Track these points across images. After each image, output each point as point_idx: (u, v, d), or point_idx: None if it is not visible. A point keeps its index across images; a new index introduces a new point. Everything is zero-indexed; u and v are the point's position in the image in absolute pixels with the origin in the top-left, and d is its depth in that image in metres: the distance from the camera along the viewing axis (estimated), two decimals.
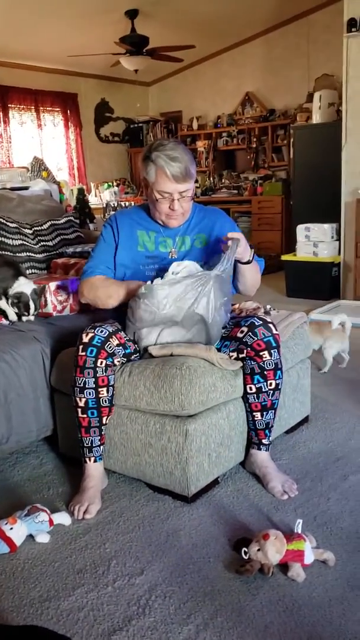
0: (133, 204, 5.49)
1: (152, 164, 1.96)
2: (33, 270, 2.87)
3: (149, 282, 1.93)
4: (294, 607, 1.48)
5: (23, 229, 2.90)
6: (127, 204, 6.54)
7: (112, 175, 8.39)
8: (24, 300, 2.36)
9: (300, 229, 5.27)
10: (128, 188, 8.18)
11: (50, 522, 1.84)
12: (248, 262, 2.07)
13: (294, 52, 7.03)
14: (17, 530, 1.76)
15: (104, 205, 6.65)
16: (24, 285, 2.38)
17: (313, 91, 6.30)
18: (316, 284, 5.17)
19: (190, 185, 2.00)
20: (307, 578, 1.57)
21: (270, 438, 2.11)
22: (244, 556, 1.60)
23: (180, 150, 1.96)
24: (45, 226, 3.01)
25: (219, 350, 2.05)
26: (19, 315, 2.39)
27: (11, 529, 1.75)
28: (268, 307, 2.54)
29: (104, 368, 1.93)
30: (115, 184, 8.02)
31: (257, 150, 7.64)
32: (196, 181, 8.09)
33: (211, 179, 8.07)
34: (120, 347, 1.99)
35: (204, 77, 8.03)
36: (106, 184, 7.85)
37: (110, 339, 1.95)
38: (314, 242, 5.17)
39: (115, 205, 6.45)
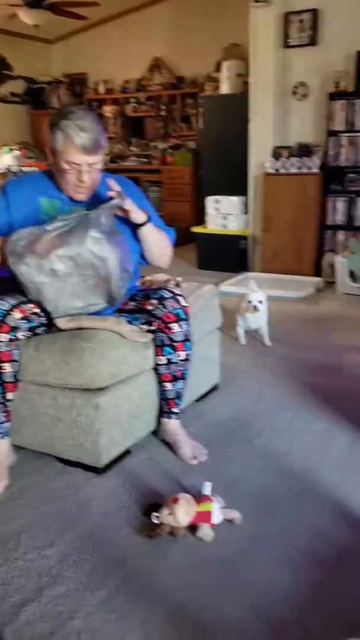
0: (36, 169, 5.28)
1: (61, 132, 1.87)
2: None
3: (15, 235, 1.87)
4: (203, 566, 1.55)
5: None
6: (29, 169, 6.27)
7: (12, 138, 7.98)
8: None
9: (210, 201, 5.33)
10: (30, 152, 7.84)
11: None
12: (144, 224, 2.04)
13: (203, 18, 6.96)
14: None
15: (4, 170, 6.35)
16: None
17: (222, 60, 6.30)
18: (225, 256, 5.28)
19: (100, 158, 1.94)
20: (216, 537, 1.65)
21: (180, 407, 2.17)
22: (154, 521, 1.65)
23: (91, 120, 1.89)
24: None
25: (129, 323, 2.05)
26: None
27: None
28: (178, 279, 2.57)
29: (6, 342, 1.88)
30: (16, 147, 7.65)
31: (166, 119, 7.57)
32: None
33: (120, 146, 7.93)
34: (24, 321, 1.92)
35: (111, 38, 7.78)
36: (6, 148, 7.48)
37: (12, 312, 1.88)
38: (223, 214, 5.25)
39: (17, 170, 6.18)
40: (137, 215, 2.01)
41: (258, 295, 3.20)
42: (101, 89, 7.99)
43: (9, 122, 8.03)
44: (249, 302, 3.17)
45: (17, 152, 7.22)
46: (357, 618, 1.35)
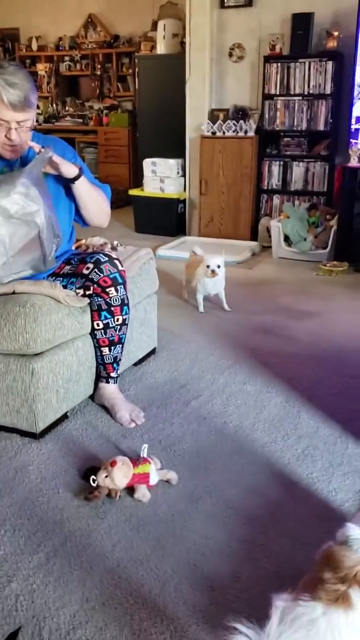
0: None
1: None
2: None
3: None
4: (140, 525, 1.59)
5: None
6: None
7: None
8: None
9: (147, 164, 5.26)
10: None
11: None
12: (77, 179, 2.00)
13: None
14: None
15: None
16: None
17: (158, 19, 6.14)
18: (163, 220, 5.25)
19: (30, 115, 1.87)
20: (152, 498, 1.69)
21: (118, 371, 2.18)
22: (92, 484, 1.67)
23: (21, 76, 1.81)
24: None
25: (64, 287, 2.03)
26: None
27: None
28: (115, 242, 2.55)
29: None
30: None
31: (101, 78, 7.35)
32: (38, 107, 7.59)
33: (54, 105, 7.66)
34: None
35: None
36: None
37: None
38: (161, 177, 5.20)
39: None
40: (68, 169, 1.95)
41: (216, 259, 3.16)
42: (34, 45, 7.64)
43: None
44: (208, 266, 3.13)
45: None
46: (286, 573, 1.43)
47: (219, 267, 3.15)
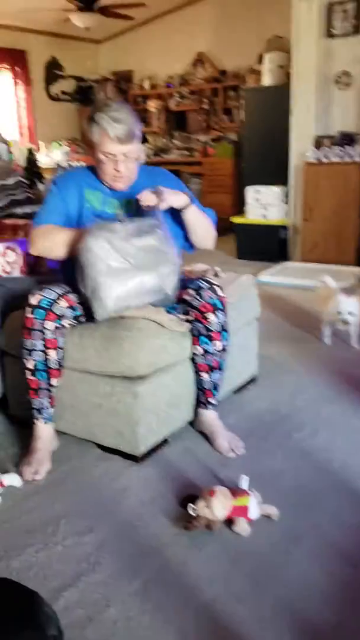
0: (83, 164, 5.36)
1: (96, 125, 1.93)
2: None
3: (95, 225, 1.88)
4: (238, 560, 1.54)
5: None
6: (77, 164, 6.37)
7: (62, 134, 8.12)
8: None
9: (250, 191, 5.28)
10: (79, 148, 7.96)
11: (1, 483, 1.83)
12: (187, 207, 2.03)
13: (246, 12, 6.90)
14: None
15: (54, 166, 6.47)
16: None
17: (264, 53, 6.22)
18: (265, 246, 5.22)
19: (134, 147, 1.97)
20: (252, 532, 1.63)
21: (217, 398, 2.16)
22: (191, 512, 1.64)
23: (124, 112, 1.93)
24: None
25: (167, 312, 2.06)
26: None
27: None
28: (217, 269, 2.56)
29: (52, 330, 1.91)
30: (65, 143, 7.78)
31: (208, 112, 7.54)
32: (147, 141, 7.93)
33: (162, 140, 7.94)
34: (70, 310, 1.97)
35: (156, 36, 7.80)
36: (56, 144, 7.61)
37: (59, 301, 1.93)
38: (264, 204, 5.20)
39: (66, 165, 6.28)
40: (179, 200, 2.00)
41: (348, 304, 2.86)
42: (146, 85, 8.03)
43: (59, 120, 8.17)
44: (339, 313, 2.88)
45: (66, 148, 7.34)
46: None
47: (350, 314, 2.84)
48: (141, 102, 8.07)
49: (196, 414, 2.19)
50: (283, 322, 3.45)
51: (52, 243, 2.02)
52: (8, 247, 2.49)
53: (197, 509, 1.64)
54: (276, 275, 4.55)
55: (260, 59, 6.39)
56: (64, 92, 8.21)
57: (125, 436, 1.97)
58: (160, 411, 2.01)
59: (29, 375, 1.96)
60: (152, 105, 7.94)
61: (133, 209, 2.09)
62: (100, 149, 1.95)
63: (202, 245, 2.20)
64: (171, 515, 1.72)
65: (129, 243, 1.85)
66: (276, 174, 5.35)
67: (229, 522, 1.66)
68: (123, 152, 1.94)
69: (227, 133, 7.37)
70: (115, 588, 1.45)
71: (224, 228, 6.02)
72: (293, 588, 1.44)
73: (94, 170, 2.11)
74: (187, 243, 2.19)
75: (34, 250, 2.07)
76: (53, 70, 8.00)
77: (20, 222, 2.72)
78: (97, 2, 6.05)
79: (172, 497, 1.81)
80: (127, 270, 1.84)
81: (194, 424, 2.20)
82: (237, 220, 5.44)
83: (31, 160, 5.30)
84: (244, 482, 1.72)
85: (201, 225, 2.13)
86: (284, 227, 5.20)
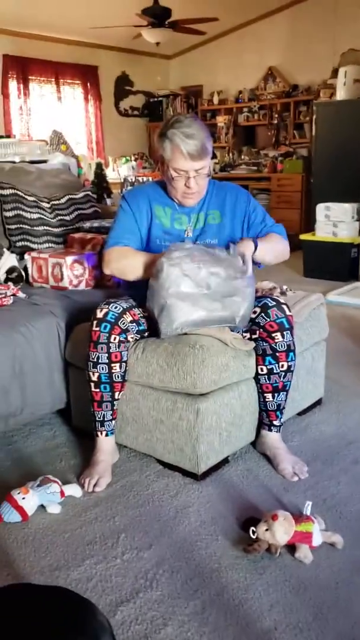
0: (150, 179, 5.45)
1: (168, 141, 1.93)
2: (50, 245, 2.86)
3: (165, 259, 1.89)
4: (300, 588, 1.49)
5: (41, 203, 2.88)
6: (144, 179, 6.47)
7: (130, 149, 8.30)
8: (18, 272, 2.50)
9: (320, 208, 5.19)
10: (146, 163, 8.10)
11: (62, 493, 1.86)
12: (255, 251, 2.03)
13: (319, 26, 6.84)
14: (29, 500, 1.79)
15: (122, 180, 6.60)
16: (10, 258, 2.50)
17: (338, 67, 6.13)
18: (334, 264, 5.10)
19: (206, 163, 1.97)
20: (315, 560, 1.58)
21: (281, 419, 2.11)
22: (252, 535, 1.61)
23: (196, 127, 1.93)
24: (62, 200, 2.99)
25: (232, 330, 2.04)
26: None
27: (23, 498, 1.78)
28: (284, 287, 2.52)
29: (117, 344, 1.94)
30: (133, 158, 7.94)
31: (278, 127, 7.50)
32: (215, 157, 7.95)
33: (230, 155, 7.96)
34: (134, 324, 1.99)
35: (226, 50, 7.86)
36: (124, 159, 7.78)
37: (124, 315, 1.95)
38: (334, 222, 5.09)
39: (133, 180, 6.39)
40: (248, 250, 1.99)
41: None
42: (215, 99, 8.09)
43: (128, 135, 8.37)
44: None
45: (133, 163, 7.50)
46: None
47: None
48: (210, 118, 8.13)
49: (259, 435, 2.15)
50: (352, 344, 3.35)
51: (126, 266, 2.05)
52: (75, 261, 2.55)
53: (259, 532, 1.60)
54: (346, 295, 4.44)
55: (334, 73, 6.31)
56: (132, 107, 8.40)
57: (185, 453, 1.96)
58: (221, 430, 1.99)
59: (92, 388, 1.99)
60: (221, 120, 7.99)
61: (200, 224, 2.10)
62: (172, 165, 1.96)
63: (275, 263, 2.19)
64: (231, 537, 1.69)
65: (203, 269, 1.84)
66: (348, 190, 5.24)
67: (291, 547, 1.61)
68: (195, 169, 1.94)
69: (297, 148, 7.30)
70: (172, 607, 1.43)
71: (291, 245, 5.94)
72: (358, 623, 1.37)
73: (162, 185, 2.12)
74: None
75: (107, 270, 2.10)
76: (123, 86, 8.20)
77: (88, 236, 2.78)
78: (168, 17, 6.14)
79: (233, 518, 1.78)
80: (198, 296, 1.84)
81: (256, 444, 2.16)
82: (305, 237, 5.35)
83: (100, 174, 5.43)
84: (308, 508, 1.67)
85: (272, 254, 2.12)
86: (355, 245, 5.07)
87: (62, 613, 1.04)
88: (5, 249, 2.54)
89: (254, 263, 2.05)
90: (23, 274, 2.56)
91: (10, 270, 2.50)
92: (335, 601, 1.45)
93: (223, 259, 1.88)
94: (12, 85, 6.97)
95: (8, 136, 6.22)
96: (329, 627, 1.36)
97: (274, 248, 2.13)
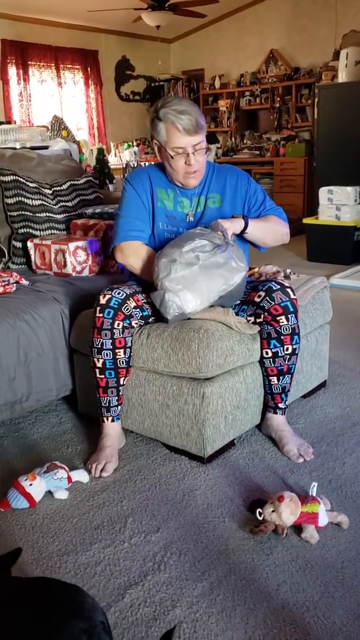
0: (151, 163, 5.42)
1: (161, 122, 1.93)
2: (52, 231, 2.85)
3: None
4: (307, 568, 1.50)
5: (43, 189, 2.87)
6: (146, 164, 6.44)
7: (132, 134, 8.25)
8: None
9: (323, 192, 5.15)
10: (148, 148, 8.05)
11: (69, 479, 1.88)
12: (246, 229, 2.05)
13: (320, 7, 6.76)
14: (37, 487, 1.80)
15: (124, 166, 6.57)
16: None
17: (340, 49, 6.06)
18: (338, 248, 5.08)
19: (202, 138, 1.97)
20: (321, 540, 1.59)
21: (286, 402, 2.12)
22: (258, 517, 1.62)
23: (186, 103, 1.94)
24: (64, 186, 2.98)
25: (236, 314, 2.04)
26: None
27: (30, 485, 1.79)
28: (288, 271, 2.51)
29: (121, 330, 1.94)
30: (135, 143, 7.90)
31: (280, 110, 7.44)
32: (217, 141, 7.89)
33: (233, 139, 7.90)
34: (138, 310, 1.99)
35: (227, 34, 7.78)
36: (126, 144, 7.74)
37: (128, 301, 1.95)
38: (337, 205, 5.06)
39: (135, 165, 6.37)
40: (236, 228, 2.02)
41: None
42: (217, 83, 8.01)
43: (130, 120, 8.31)
44: None
45: (135, 149, 7.45)
46: None
47: None
48: (212, 102, 8.06)
49: (264, 417, 2.15)
50: (355, 326, 3.34)
51: (134, 266, 2.10)
52: (78, 247, 2.54)
53: (265, 513, 1.61)
54: (349, 278, 4.42)
55: (336, 55, 6.23)
56: (134, 92, 8.33)
57: (192, 437, 1.97)
58: (227, 413, 1.99)
59: (97, 374, 1.99)
60: (222, 104, 7.92)
61: (201, 207, 2.09)
62: (170, 145, 1.95)
63: (274, 245, 2.21)
64: (238, 518, 1.70)
65: (185, 247, 1.87)
66: (350, 173, 5.20)
67: (297, 528, 1.62)
68: (192, 144, 1.94)
69: (300, 132, 7.24)
70: (181, 589, 1.45)
71: (294, 229, 5.88)
72: None
73: (161, 168, 2.11)
74: (261, 248, 2.20)
75: (123, 261, 2.12)
76: (124, 70, 8.12)
77: (91, 222, 2.77)
78: (168, 0, 6.05)
79: (239, 500, 1.79)
80: (191, 276, 1.85)
81: (262, 427, 2.17)
82: (308, 221, 5.33)
83: (101, 160, 5.40)
84: (314, 489, 1.68)
85: (268, 233, 2.13)
86: (358, 229, 5.04)
87: (55, 598, 1.06)
88: None
89: (252, 244, 2.10)
90: (4, 249, 2.57)
91: None
92: (342, 580, 1.46)
93: (205, 234, 1.90)
94: (12, 70, 6.92)
95: (9, 122, 6.17)
96: (335, 605, 1.38)
97: (270, 228, 2.13)
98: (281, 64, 7.36)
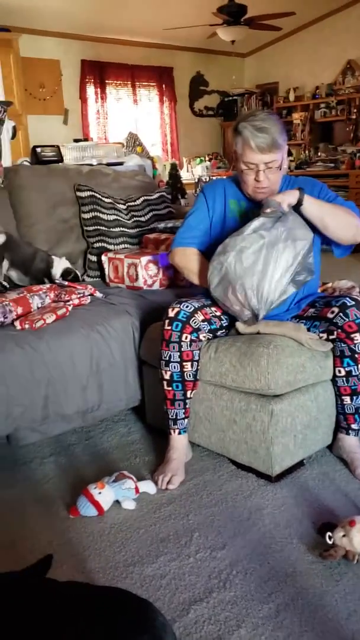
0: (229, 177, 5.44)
1: (239, 135, 1.94)
2: (125, 245, 2.91)
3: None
4: None
5: (117, 204, 2.94)
6: (218, 178, 6.48)
7: (204, 149, 8.33)
8: (74, 274, 2.63)
9: None
10: (220, 162, 8.10)
11: (136, 489, 1.89)
12: (302, 202, 1.91)
13: None
14: (105, 495, 1.83)
15: (196, 180, 6.64)
16: (61, 262, 2.62)
17: None
18: None
19: (277, 157, 1.94)
20: None
21: None
22: (328, 541, 1.57)
23: (269, 121, 1.92)
24: (138, 201, 3.04)
25: (308, 330, 1.99)
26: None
27: (100, 493, 1.82)
28: None
29: (188, 343, 1.94)
30: (207, 158, 7.96)
31: (356, 122, 7.28)
32: (290, 154, 7.80)
33: (306, 152, 7.81)
34: (206, 323, 1.99)
35: (303, 45, 7.71)
36: (198, 159, 7.81)
37: (196, 314, 1.96)
38: None
39: (207, 180, 6.42)
40: (290, 198, 1.90)
41: None
42: (291, 96, 7.96)
43: (202, 135, 8.40)
44: None
45: (207, 163, 7.52)
46: None
47: None
48: (286, 115, 8.01)
49: (336, 438, 2.09)
50: None
51: (186, 267, 2.18)
52: (150, 261, 2.58)
53: (335, 537, 1.56)
54: None
55: None
56: (207, 107, 8.40)
57: (259, 454, 1.94)
58: (296, 432, 1.95)
59: (165, 386, 2.00)
60: (297, 117, 7.86)
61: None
62: (242, 159, 1.96)
63: (344, 238, 2.02)
64: (307, 541, 1.66)
65: (246, 232, 1.86)
66: None
67: None
68: (264, 162, 1.93)
69: None
70: (246, 609, 1.42)
71: None
72: None
73: (235, 181, 2.13)
74: (330, 245, 2.08)
75: (172, 262, 2.22)
76: (198, 86, 8.22)
77: (162, 236, 2.81)
78: (244, 14, 6.07)
79: (308, 522, 1.74)
80: (261, 257, 1.83)
81: (333, 448, 2.11)
82: None
83: (174, 175, 5.48)
84: None
85: (330, 217, 1.96)
86: None
87: (127, 614, 1.06)
88: (53, 256, 2.64)
89: (324, 241, 2.05)
90: (78, 273, 2.69)
91: (66, 273, 2.60)
92: None
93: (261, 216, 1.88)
94: (90, 89, 7.17)
95: (86, 139, 6.40)
96: None
97: (332, 211, 1.98)
98: (359, 74, 7.21)
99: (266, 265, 1.82)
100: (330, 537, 1.57)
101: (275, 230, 1.84)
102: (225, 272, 1.87)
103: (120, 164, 4.27)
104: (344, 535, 1.55)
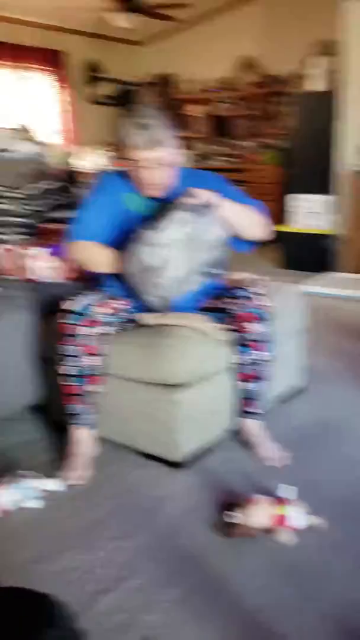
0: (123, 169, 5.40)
1: (125, 131, 1.93)
2: (21, 236, 2.82)
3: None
4: (282, 571, 1.51)
5: (10, 193, 2.84)
6: (118, 168, 6.42)
7: (102, 138, 8.21)
8: None
9: (294, 200, 5.22)
10: (120, 152, 8.02)
11: (41, 487, 1.85)
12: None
13: (294, 15, 6.83)
14: (9, 495, 1.77)
15: (94, 170, 6.54)
16: None
17: (309, 57, 6.14)
18: (311, 255, 5.14)
19: (162, 154, 1.92)
20: (296, 543, 1.60)
21: (260, 408, 2.12)
22: (229, 520, 1.62)
23: (151, 117, 1.91)
24: (33, 190, 2.95)
25: (212, 321, 2.04)
26: None
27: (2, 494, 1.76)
28: (261, 278, 2.52)
29: (88, 336, 1.91)
30: (106, 148, 7.86)
31: (253, 117, 7.50)
32: (188, 148, 7.85)
33: (205, 146, 7.94)
34: (107, 315, 1.97)
35: (201, 38, 7.79)
36: (97, 148, 7.69)
37: (95, 307, 1.93)
38: (308, 213, 5.13)
39: (106, 170, 6.35)
40: (210, 195, 1.91)
41: None
42: (189, 89, 8.03)
43: (101, 124, 8.25)
44: None
45: (106, 152, 7.41)
46: None
47: None
48: (183, 107, 8.08)
49: (240, 423, 2.16)
50: (329, 333, 3.38)
51: (92, 261, 2.07)
52: (47, 252, 2.52)
53: (235, 516, 1.61)
54: (322, 286, 4.47)
55: (308, 64, 6.31)
56: (105, 96, 8.28)
57: (164, 443, 1.97)
58: (200, 419, 2.00)
59: (66, 382, 1.97)
60: (195, 110, 7.95)
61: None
62: (126, 154, 1.94)
63: (253, 234, 2.07)
64: (212, 523, 1.70)
65: (173, 230, 1.83)
66: (322, 182, 5.26)
67: (272, 532, 1.62)
68: (147, 159, 1.91)
69: (273, 140, 7.31)
70: (155, 595, 1.44)
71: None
72: (338, 602, 1.40)
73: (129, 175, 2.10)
74: (239, 242, 2.10)
75: (72, 256, 2.12)
76: (93, 73, 8.07)
77: (59, 226, 2.74)
78: (136, 1, 5.99)
79: (214, 505, 1.79)
80: (176, 254, 1.82)
81: (237, 433, 2.17)
82: (281, 229, 5.36)
83: (70, 164, 5.37)
84: (283, 491, 1.68)
85: (244, 215, 2.00)
86: (329, 237, 5.11)
87: (29, 607, 1.04)
88: None
89: (235, 244, 2.04)
90: None
91: None
92: (316, 582, 1.47)
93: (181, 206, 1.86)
94: None
95: None
96: (310, 609, 1.39)
97: (246, 211, 2.02)
98: (254, 71, 7.43)
99: (180, 256, 1.82)
100: (229, 516, 1.62)
101: (192, 223, 1.85)
102: (140, 261, 1.85)
103: (13, 151, 4.08)
104: (243, 514, 1.60)
